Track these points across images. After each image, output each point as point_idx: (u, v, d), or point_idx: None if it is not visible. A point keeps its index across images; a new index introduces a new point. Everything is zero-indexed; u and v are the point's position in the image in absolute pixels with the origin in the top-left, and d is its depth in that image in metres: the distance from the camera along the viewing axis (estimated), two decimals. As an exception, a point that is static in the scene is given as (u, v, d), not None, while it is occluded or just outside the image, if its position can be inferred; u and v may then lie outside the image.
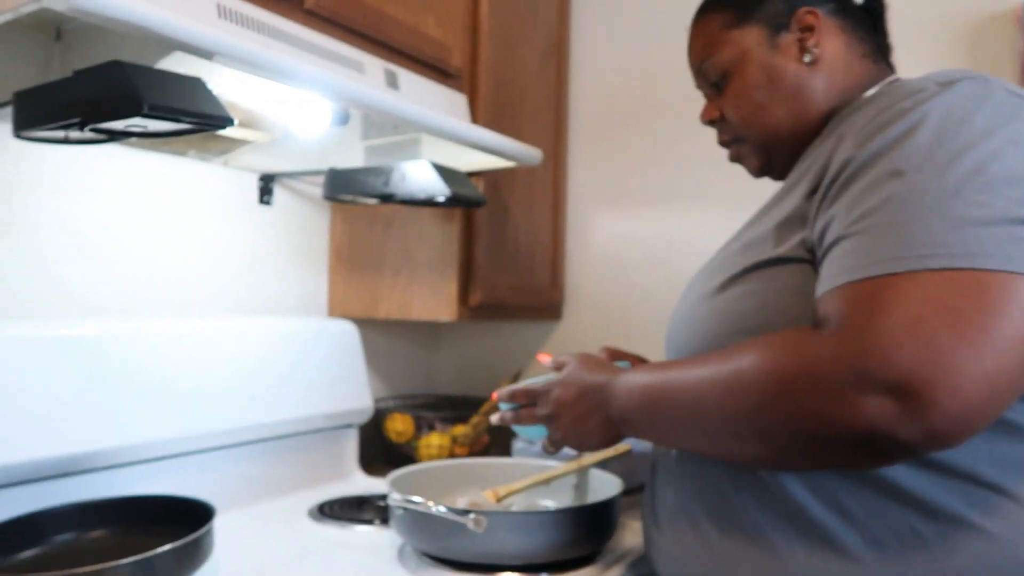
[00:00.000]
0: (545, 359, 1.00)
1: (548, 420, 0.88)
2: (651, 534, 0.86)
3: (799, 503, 0.69)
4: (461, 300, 1.39)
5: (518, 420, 0.93)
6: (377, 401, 1.59)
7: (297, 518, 1.17)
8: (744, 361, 0.64)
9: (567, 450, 1.03)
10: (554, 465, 1.17)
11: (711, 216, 1.57)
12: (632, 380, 0.78)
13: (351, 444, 1.42)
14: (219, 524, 1.11)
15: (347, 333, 1.43)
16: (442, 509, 0.90)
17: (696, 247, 1.56)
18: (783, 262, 0.71)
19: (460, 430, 1.50)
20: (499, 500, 1.11)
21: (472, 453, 1.52)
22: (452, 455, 1.49)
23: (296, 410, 1.29)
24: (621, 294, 1.65)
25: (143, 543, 0.83)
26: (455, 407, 1.68)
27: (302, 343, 1.34)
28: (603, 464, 1.17)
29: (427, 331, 1.82)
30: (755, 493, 0.72)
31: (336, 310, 1.51)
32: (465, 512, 0.90)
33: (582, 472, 1.17)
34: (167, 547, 0.80)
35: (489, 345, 1.79)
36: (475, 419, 1.50)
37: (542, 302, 1.62)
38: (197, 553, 0.85)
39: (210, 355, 1.19)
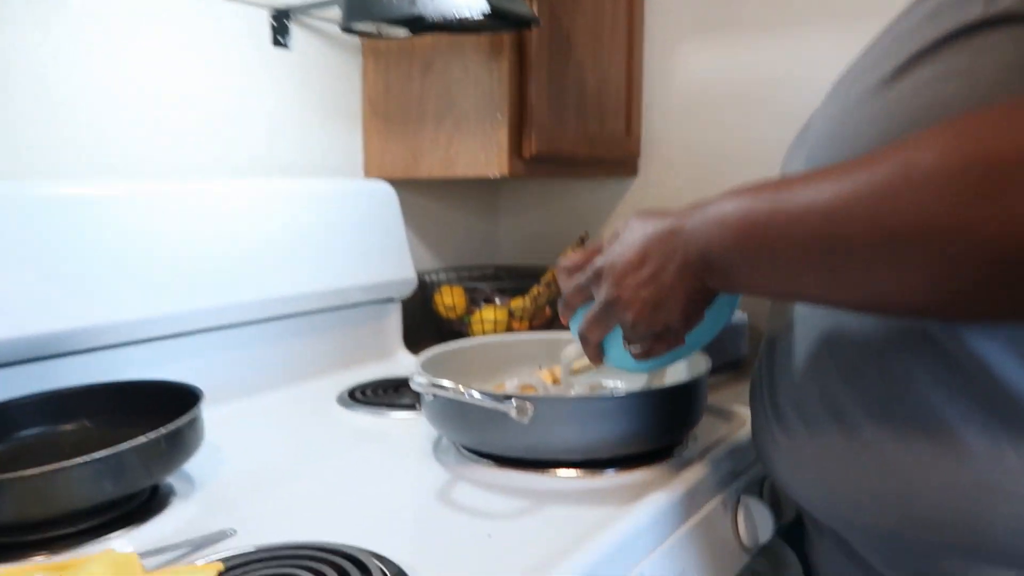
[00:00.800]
0: (573, 258, 0.71)
1: (610, 308, 0.63)
2: (768, 430, 0.66)
3: (1007, 384, 0.46)
4: (513, 151, 1.16)
5: (586, 329, 0.68)
6: (426, 273, 1.41)
7: (324, 404, 1.01)
8: (920, 152, 0.40)
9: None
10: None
11: (831, 44, 1.27)
12: (723, 209, 0.55)
13: (393, 320, 1.26)
14: (234, 411, 0.98)
15: (384, 195, 1.23)
16: (475, 395, 0.71)
17: (810, 84, 1.27)
18: (1004, 24, 0.45)
19: (518, 303, 1.31)
20: (556, 382, 0.92)
21: (533, 329, 1.34)
22: (509, 332, 1.31)
23: (327, 282, 1.12)
24: (711, 145, 1.38)
25: (123, 436, 0.68)
26: (514, 278, 1.49)
27: (332, 207, 1.15)
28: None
29: (482, 193, 1.61)
30: (935, 370, 0.50)
31: (373, 170, 1.31)
32: (506, 398, 0.71)
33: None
34: (138, 440, 0.65)
35: (553, 207, 1.57)
36: (535, 290, 1.30)
37: (615, 155, 1.38)
38: (178, 447, 0.70)
39: (224, 221, 1.02)
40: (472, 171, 1.18)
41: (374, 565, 0.56)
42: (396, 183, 1.29)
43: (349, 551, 0.58)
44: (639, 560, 0.64)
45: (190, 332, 0.98)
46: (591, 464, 0.76)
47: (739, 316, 1.22)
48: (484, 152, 1.16)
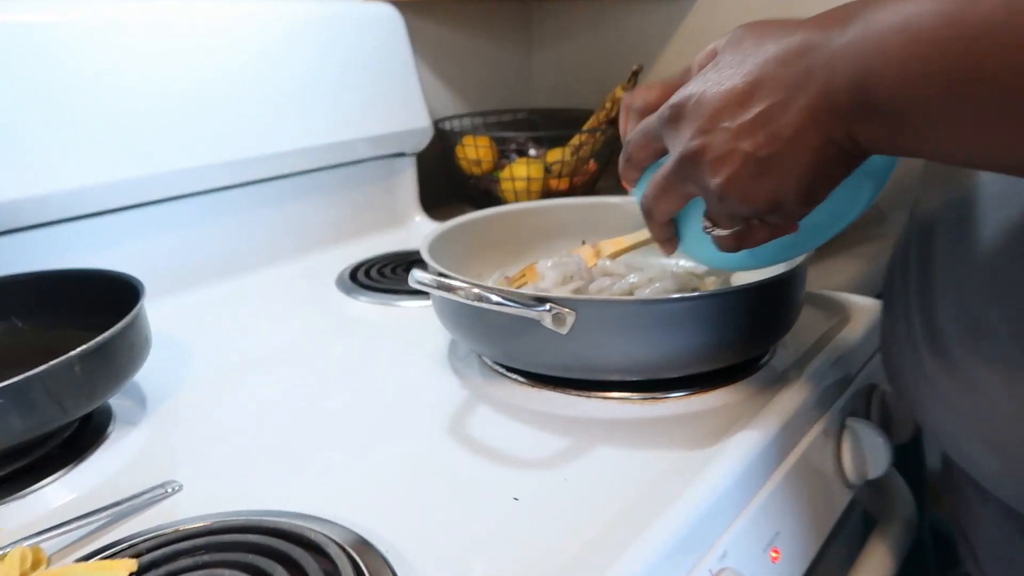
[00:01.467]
0: (646, 93, 0.50)
1: (691, 165, 0.41)
2: (917, 359, 0.46)
3: None
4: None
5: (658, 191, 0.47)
6: (446, 120, 1.18)
7: (320, 288, 0.83)
8: None
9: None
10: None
11: None
12: (904, 11, 0.32)
13: (406, 179, 1.05)
14: (211, 297, 0.81)
15: (387, 21, 0.99)
16: (495, 299, 0.52)
17: None
18: None
19: (556, 155, 1.08)
20: (598, 257, 0.72)
21: (574, 188, 1.12)
22: (546, 191, 1.10)
23: (321, 134, 0.91)
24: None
25: (59, 340, 0.53)
26: (553, 125, 1.25)
27: (320, 39, 0.92)
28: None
29: (512, 18, 1.34)
30: None
31: (375, -11, 1.05)
32: (538, 301, 0.52)
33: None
34: (42, 369, 0.48)
35: (597, 38, 1.30)
36: (577, 139, 1.07)
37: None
38: (104, 371, 0.53)
39: (187, 57, 0.80)
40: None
41: (342, 558, 0.40)
42: (405, 6, 1.03)
43: (310, 533, 0.42)
44: (719, 533, 0.46)
45: (153, 202, 0.79)
46: (652, 385, 0.57)
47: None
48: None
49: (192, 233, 0.82)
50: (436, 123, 1.15)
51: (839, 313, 0.70)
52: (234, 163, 0.83)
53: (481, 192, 1.13)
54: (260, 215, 0.89)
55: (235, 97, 0.84)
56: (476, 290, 0.52)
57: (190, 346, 0.70)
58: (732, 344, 0.56)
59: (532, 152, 1.16)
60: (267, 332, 0.73)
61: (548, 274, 0.69)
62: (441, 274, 0.55)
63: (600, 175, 1.14)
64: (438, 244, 0.70)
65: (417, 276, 0.54)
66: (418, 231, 1.04)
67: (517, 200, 1.09)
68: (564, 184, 1.10)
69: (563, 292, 0.65)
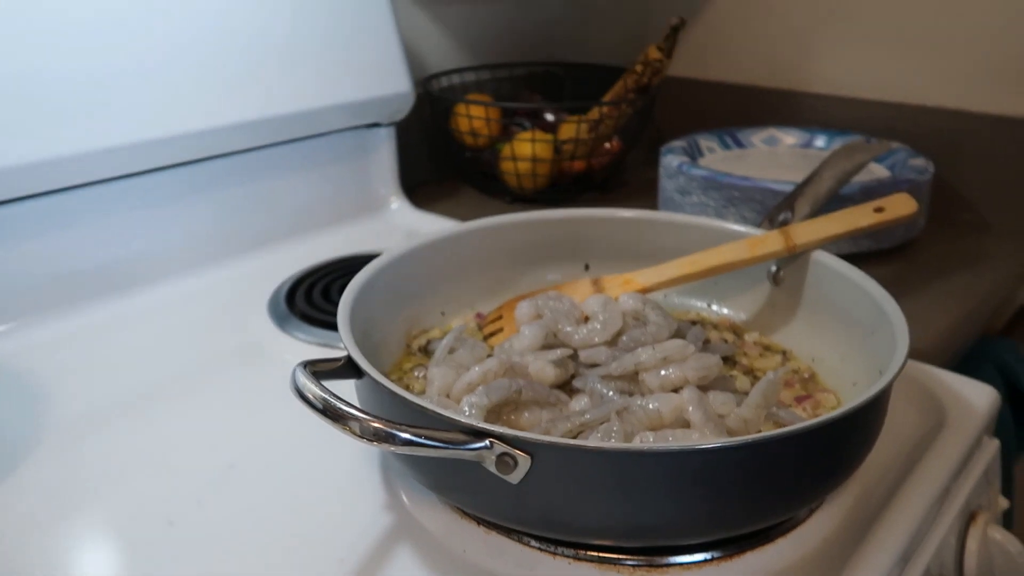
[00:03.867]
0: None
1: None
2: None
3: None
4: None
5: None
6: (442, 75, 0.97)
7: (247, 308, 0.65)
8: None
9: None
10: (743, 232, 0.55)
11: None
12: None
13: (382, 155, 0.85)
14: (98, 320, 0.63)
15: (358, -45, 0.78)
16: (405, 437, 0.33)
17: None
18: None
19: (569, 131, 0.87)
20: (596, 292, 0.53)
21: (592, 172, 0.91)
22: (557, 175, 0.89)
23: (276, 103, 0.72)
24: None
25: None
26: (581, 83, 1.03)
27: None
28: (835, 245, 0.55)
29: (536, -47, 1.10)
30: None
31: (349, -88, 0.83)
32: (475, 436, 0.33)
33: (792, 259, 0.54)
34: None
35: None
36: (596, 112, 0.85)
37: None
38: None
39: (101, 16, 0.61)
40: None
41: None
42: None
43: None
44: None
45: (39, 194, 0.61)
46: (643, 549, 0.38)
47: (917, 165, 0.76)
48: None
49: (82, 234, 0.64)
50: (428, 79, 0.94)
51: (931, 411, 0.49)
52: (153, 143, 0.65)
53: (479, 174, 0.92)
54: (186, 205, 0.70)
55: (154, 60, 0.65)
56: (376, 425, 0.33)
57: (46, 389, 0.53)
58: (767, 507, 0.37)
59: (549, 117, 0.95)
60: (148, 375, 0.56)
61: (526, 331, 0.50)
62: (324, 397, 0.36)
63: (625, 156, 0.93)
64: (382, 280, 0.51)
65: (299, 384, 0.35)
66: (397, 219, 0.85)
67: (520, 185, 0.88)
68: (580, 166, 0.89)
69: (542, 372, 0.46)
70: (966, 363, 0.70)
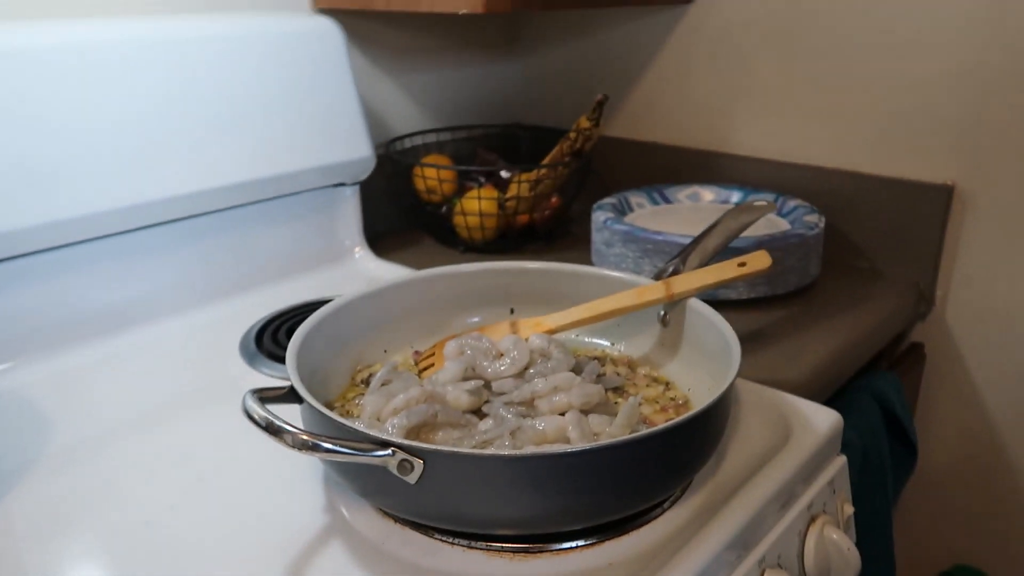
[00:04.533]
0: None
1: None
2: None
3: None
4: (495, -24, 0.79)
5: None
6: (406, 137, 1.09)
7: (220, 348, 0.75)
8: None
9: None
10: (637, 281, 0.66)
11: None
12: None
13: (347, 211, 0.96)
14: (90, 358, 0.74)
15: (325, 36, 0.89)
16: (327, 447, 0.43)
17: None
18: None
19: (513, 189, 0.98)
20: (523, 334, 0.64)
21: (534, 225, 1.02)
22: (504, 227, 1.00)
23: (242, 170, 0.83)
24: (797, -44, 0.96)
25: None
26: (539, 142, 1.14)
27: (244, 60, 0.83)
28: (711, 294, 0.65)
29: (495, 27, 1.23)
30: None
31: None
32: (381, 445, 0.44)
33: (672, 305, 0.65)
34: None
35: (584, 48, 1.18)
36: (535, 173, 0.97)
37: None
38: None
39: (86, 81, 0.72)
40: (440, 3, 0.82)
41: None
42: (354, 14, 0.94)
43: None
44: None
45: (43, 250, 0.72)
46: (526, 537, 0.48)
47: (810, 221, 0.87)
48: (453, -21, 0.80)
49: (79, 283, 0.75)
50: (392, 141, 1.06)
51: (780, 429, 0.60)
52: (144, 205, 0.76)
53: (437, 225, 1.04)
54: (172, 257, 0.81)
55: (144, 129, 0.76)
56: (303, 436, 0.43)
57: (45, 418, 0.63)
58: (626, 499, 0.47)
59: (504, 175, 1.06)
60: (133, 406, 0.66)
61: (449, 365, 0.61)
62: (264, 414, 0.46)
63: (566, 210, 1.04)
64: (330, 323, 0.62)
65: (248, 407, 0.46)
66: (360, 267, 0.96)
67: (471, 236, 0.99)
68: (524, 220, 1.00)
69: (460, 398, 0.56)
70: (847, 393, 0.81)
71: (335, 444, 0.43)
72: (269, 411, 0.44)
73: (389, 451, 0.43)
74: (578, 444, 0.50)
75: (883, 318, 0.84)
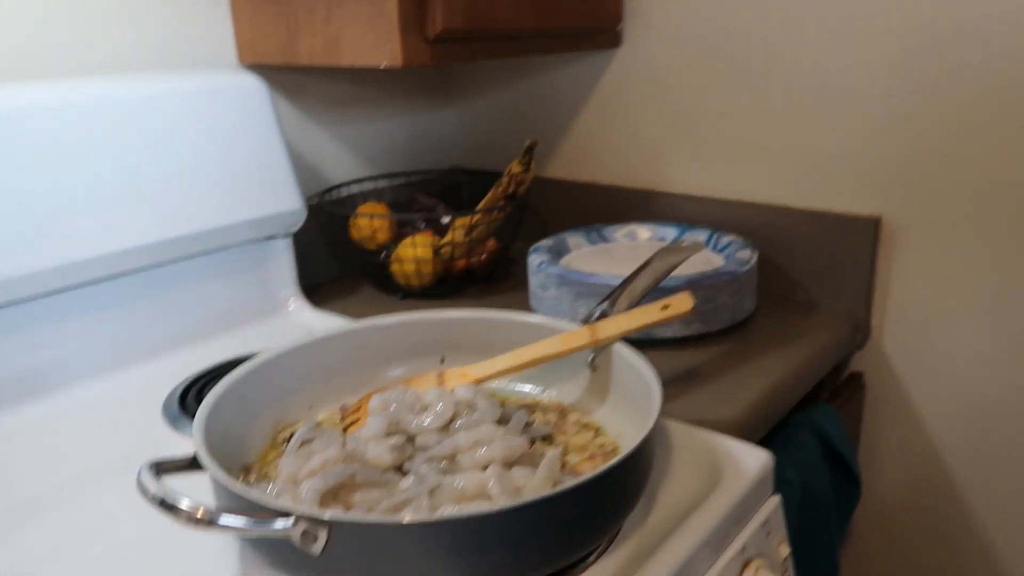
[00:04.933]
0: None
1: None
2: None
3: None
4: (411, 28, 0.79)
5: None
6: (343, 186, 1.08)
7: (143, 410, 0.73)
8: None
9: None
10: (563, 328, 0.65)
11: None
12: None
13: (281, 263, 0.94)
14: (21, 422, 0.71)
15: (250, 92, 0.89)
16: (225, 523, 0.41)
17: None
18: None
19: (448, 236, 0.98)
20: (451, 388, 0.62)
21: (472, 269, 1.02)
22: (443, 272, 1.00)
23: (172, 224, 0.81)
24: (718, 6, 0.98)
25: None
26: (479, 185, 1.14)
27: (166, 119, 0.82)
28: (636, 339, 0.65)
29: (418, 79, 1.23)
30: None
31: (247, 54, 0.95)
32: (280, 515, 0.42)
33: (599, 350, 0.64)
34: None
35: (513, 93, 1.19)
36: (468, 219, 0.97)
37: (584, 23, 0.98)
38: None
39: (6, 140, 0.70)
40: (359, 58, 0.82)
41: None
42: (287, 70, 0.93)
43: None
44: None
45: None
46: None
47: (742, 257, 0.88)
48: (372, 30, 0.79)
49: (19, 337, 0.72)
50: (327, 191, 1.05)
51: (709, 473, 0.59)
52: (61, 268, 0.73)
53: (376, 272, 1.02)
54: (94, 319, 0.78)
55: (62, 189, 0.74)
56: (198, 513, 0.41)
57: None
58: (550, 556, 0.46)
59: (445, 220, 1.06)
60: (40, 482, 0.63)
61: (372, 421, 0.59)
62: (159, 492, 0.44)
63: (504, 253, 1.04)
64: (249, 383, 0.60)
65: (141, 481, 0.43)
66: (295, 319, 0.94)
67: (408, 283, 0.98)
68: (462, 264, 0.99)
69: (382, 455, 0.54)
70: (784, 429, 0.81)
71: (233, 518, 0.41)
72: (163, 486, 0.42)
73: (290, 521, 0.42)
74: (489, 504, 0.48)
75: (818, 350, 0.84)
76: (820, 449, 0.80)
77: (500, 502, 0.49)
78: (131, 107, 0.80)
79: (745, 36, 0.95)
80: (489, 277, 1.04)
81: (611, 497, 0.47)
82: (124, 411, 0.73)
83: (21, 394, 0.73)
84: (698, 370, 0.78)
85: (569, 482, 0.44)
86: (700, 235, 0.97)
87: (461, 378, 0.65)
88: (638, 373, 0.58)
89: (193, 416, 0.70)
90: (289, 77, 1.01)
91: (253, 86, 0.88)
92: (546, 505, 0.43)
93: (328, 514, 0.41)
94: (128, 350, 0.81)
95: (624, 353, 0.61)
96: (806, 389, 0.82)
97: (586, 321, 0.66)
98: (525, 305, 0.94)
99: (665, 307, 0.63)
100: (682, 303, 0.62)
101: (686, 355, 0.81)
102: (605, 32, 1.02)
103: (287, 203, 0.91)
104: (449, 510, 0.48)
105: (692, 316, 0.81)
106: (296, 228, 0.93)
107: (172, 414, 0.72)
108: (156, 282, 0.83)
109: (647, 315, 0.62)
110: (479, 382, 0.64)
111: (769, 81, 0.94)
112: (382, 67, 0.79)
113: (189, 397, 0.74)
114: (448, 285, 1.01)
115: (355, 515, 0.47)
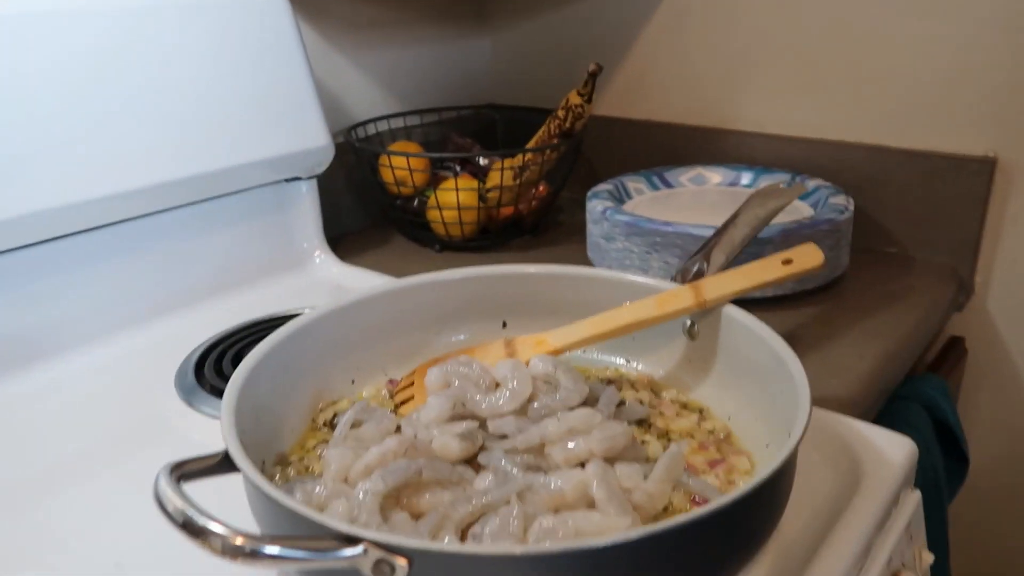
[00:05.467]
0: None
1: None
2: None
3: None
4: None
5: None
6: (370, 123, 0.96)
7: (154, 380, 0.62)
8: None
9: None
10: (659, 287, 0.54)
11: None
12: None
13: (304, 209, 0.83)
14: (19, 387, 0.60)
15: (269, 6, 0.76)
16: (271, 552, 0.31)
17: None
18: None
19: (495, 179, 0.86)
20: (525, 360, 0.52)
21: (520, 217, 0.90)
22: (486, 221, 0.88)
23: (190, 163, 0.70)
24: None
25: None
26: (514, 123, 1.02)
27: (178, 36, 0.70)
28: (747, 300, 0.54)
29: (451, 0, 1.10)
30: None
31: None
32: (347, 541, 0.31)
33: (705, 314, 0.53)
34: None
35: (557, 18, 1.06)
36: (519, 159, 0.85)
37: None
38: None
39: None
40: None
41: None
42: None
43: None
44: None
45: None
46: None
47: (838, 204, 0.76)
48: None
49: (20, 292, 0.62)
50: (353, 128, 0.93)
51: (848, 467, 0.48)
52: (58, 210, 0.62)
53: (409, 222, 0.91)
54: (95, 271, 0.67)
55: (54, 118, 0.62)
56: (239, 540, 0.31)
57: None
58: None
59: (481, 161, 0.94)
60: (40, 459, 0.52)
61: (433, 401, 0.49)
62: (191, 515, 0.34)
63: (554, 199, 0.92)
64: (283, 353, 0.49)
65: (161, 492, 0.33)
66: (321, 274, 0.83)
67: (447, 233, 0.87)
68: (508, 212, 0.88)
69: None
70: (893, 403, 0.70)
71: (284, 547, 0.31)
72: (189, 500, 0.32)
73: (360, 549, 0.31)
74: (627, 531, 0.37)
75: (924, 312, 0.73)
76: (931, 426, 0.70)
77: (609, 510, 0.39)
78: (131, 20, 0.67)
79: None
80: (535, 227, 0.93)
81: (766, 510, 0.37)
82: (130, 380, 0.63)
83: (11, 360, 0.63)
84: (795, 337, 0.67)
85: (724, 495, 0.33)
86: (780, 178, 0.86)
87: (536, 347, 0.54)
88: (764, 345, 0.47)
89: (209, 389, 0.60)
90: (308, -5, 0.88)
91: (271, 4, 0.76)
92: (703, 524, 0.33)
93: (414, 542, 0.31)
94: (132, 308, 0.70)
95: (741, 319, 0.50)
96: (914, 357, 0.71)
97: (683, 279, 0.55)
98: (583, 259, 0.82)
99: (787, 261, 0.51)
100: (810, 256, 0.51)
101: (776, 318, 0.69)
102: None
103: (313, 139, 0.79)
104: (548, 522, 0.38)
105: (819, 272, 0.70)
106: (322, 168, 0.81)
107: (186, 386, 0.61)
108: (164, 230, 0.72)
109: (766, 271, 0.51)
110: (558, 352, 0.53)
111: None
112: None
113: (206, 367, 0.63)
114: (490, 236, 0.90)
115: (448, 546, 0.36)
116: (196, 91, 0.71)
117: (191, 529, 0.31)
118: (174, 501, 0.32)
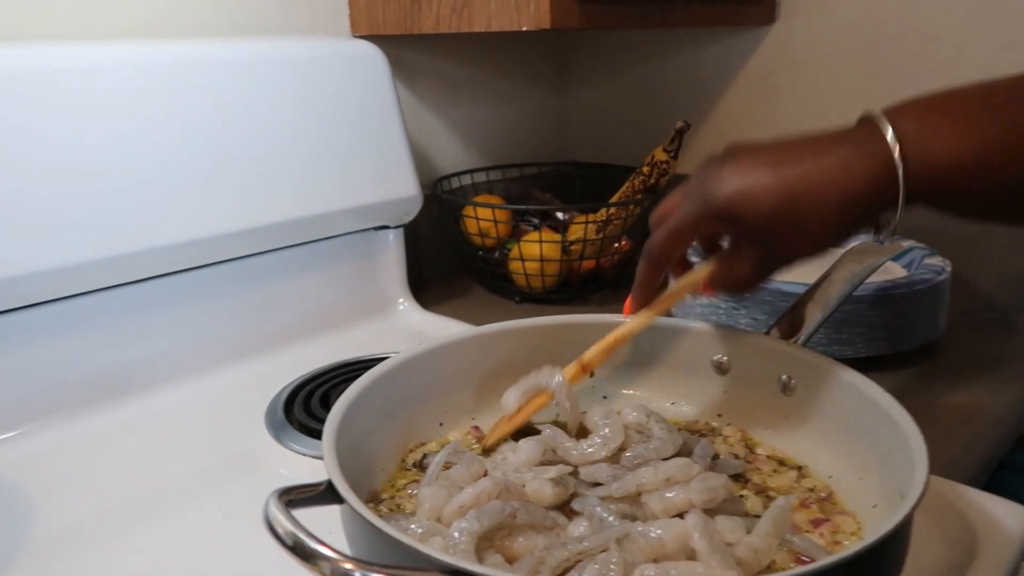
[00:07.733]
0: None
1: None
2: None
3: None
4: (564, -13, 0.68)
5: None
6: (453, 176, 0.98)
7: (243, 417, 0.63)
8: None
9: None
10: (739, 332, 0.53)
11: None
12: None
13: (390, 257, 0.85)
14: (92, 428, 0.62)
15: (368, 62, 0.79)
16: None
17: None
18: None
19: (577, 231, 0.86)
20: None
21: (601, 271, 0.90)
22: (567, 274, 0.88)
23: (284, 208, 0.73)
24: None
25: None
26: (592, 181, 1.03)
27: (277, 89, 0.73)
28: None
29: (545, 57, 1.13)
30: None
31: (360, 24, 0.86)
32: (452, 575, 0.31)
33: (801, 371, 0.52)
34: None
35: (644, 78, 1.08)
36: (603, 213, 0.85)
37: (737, -8, 0.86)
38: None
39: (103, 109, 0.62)
40: (497, 21, 0.72)
41: None
42: (403, 40, 0.84)
43: None
44: None
45: (64, 297, 0.61)
46: None
47: (934, 265, 0.74)
48: (514, -9, 0.69)
49: (84, 341, 0.64)
50: (438, 180, 0.95)
51: (961, 537, 0.46)
52: (154, 252, 0.65)
53: (489, 273, 0.92)
54: (189, 311, 0.70)
55: (157, 165, 0.66)
56: (348, 565, 0.31)
57: (36, 499, 0.52)
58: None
59: (560, 216, 0.95)
60: (134, 490, 0.54)
61: (526, 446, 0.48)
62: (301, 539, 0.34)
63: (635, 254, 0.92)
64: (376, 393, 0.50)
65: (270, 516, 0.33)
66: (404, 321, 0.84)
67: (529, 284, 0.87)
68: (589, 266, 0.88)
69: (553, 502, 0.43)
70: (999, 472, 0.67)
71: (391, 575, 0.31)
72: (299, 525, 0.32)
73: (481, 591, 0.31)
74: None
75: (1029, 380, 0.69)
76: (1040, 500, 0.66)
77: (712, 562, 0.38)
78: (233, 72, 0.71)
79: (913, 16, 0.81)
80: (615, 282, 0.93)
81: (881, 574, 0.35)
82: (222, 416, 0.64)
83: (108, 394, 0.65)
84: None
85: (837, 554, 0.32)
86: (866, 239, 0.84)
87: (579, 372, 0.53)
88: (872, 404, 0.45)
89: (298, 427, 0.61)
90: (393, 52, 0.92)
91: (371, 53, 0.79)
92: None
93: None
94: (222, 348, 0.72)
95: (846, 378, 0.48)
96: (1022, 429, 0.68)
97: (780, 335, 0.54)
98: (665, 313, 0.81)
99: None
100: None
101: (872, 379, 0.68)
102: (759, 3, 0.90)
103: (403, 189, 0.81)
104: (650, 571, 0.37)
105: (883, 332, 0.68)
106: (411, 217, 0.84)
107: (276, 422, 0.62)
108: (259, 272, 0.74)
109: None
110: (589, 367, 0.53)
111: (946, 56, 0.80)
112: (523, 28, 0.69)
113: (295, 405, 0.64)
114: (569, 290, 0.90)
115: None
116: (298, 141, 0.74)
117: (301, 552, 0.31)
118: (284, 524, 0.32)
